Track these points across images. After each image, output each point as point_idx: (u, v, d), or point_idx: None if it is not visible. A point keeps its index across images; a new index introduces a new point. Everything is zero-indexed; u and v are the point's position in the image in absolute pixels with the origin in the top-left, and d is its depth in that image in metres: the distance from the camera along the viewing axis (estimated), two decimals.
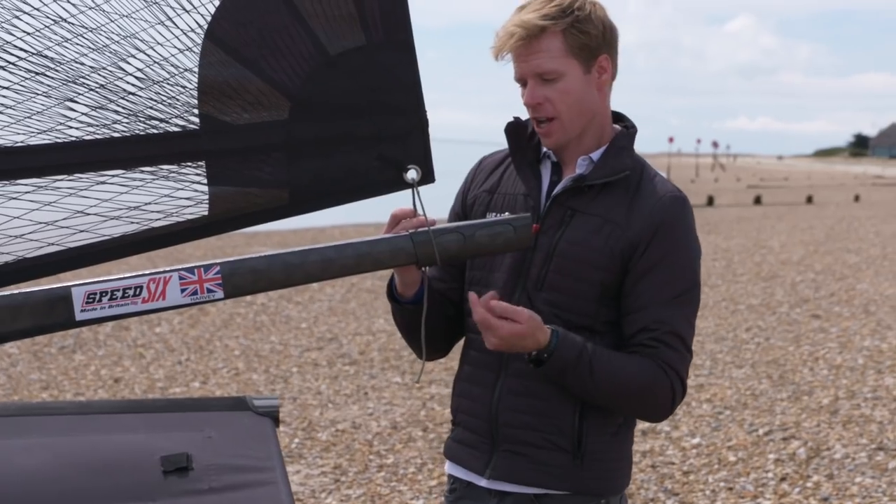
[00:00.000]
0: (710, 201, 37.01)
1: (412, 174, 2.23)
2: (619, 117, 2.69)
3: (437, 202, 2.44)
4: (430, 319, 2.50)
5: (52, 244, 2.04)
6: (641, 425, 7.53)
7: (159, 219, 2.10)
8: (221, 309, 12.33)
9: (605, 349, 2.51)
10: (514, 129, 2.64)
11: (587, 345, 2.48)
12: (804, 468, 6.50)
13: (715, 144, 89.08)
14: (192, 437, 2.34)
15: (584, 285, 2.53)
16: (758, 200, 38.13)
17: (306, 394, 8.47)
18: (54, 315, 2.04)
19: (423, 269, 2.40)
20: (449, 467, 2.75)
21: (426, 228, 2.28)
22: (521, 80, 2.54)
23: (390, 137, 2.19)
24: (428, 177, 2.24)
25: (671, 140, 70.26)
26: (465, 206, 2.70)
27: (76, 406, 2.52)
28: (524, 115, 2.63)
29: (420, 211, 2.30)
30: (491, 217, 2.54)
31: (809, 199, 38.63)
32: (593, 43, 2.52)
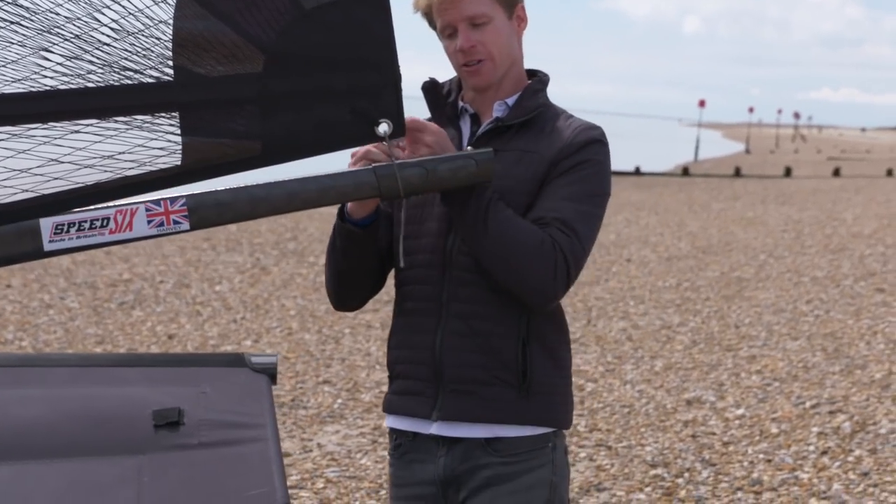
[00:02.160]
0: (788, 172, 36.54)
1: (384, 127, 2.24)
2: (531, 73, 2.78)
3: None
4: (367, 258, 2.61)
5: (26, 191, 2.07)
6: (689, 393, 7.49)
7: (133, 167, 2.12)
8: (283, 269, 12.46)
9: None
10: (432, 89, 2.73)
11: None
12: (847, 442, 6.42)
13: (796, 115, 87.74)
14: (187, 392, 2.36)
15: (513, 208, 2.56)
16: (836, 173, 37.55)
17: (356, 355, 8.54)
18: (22, 245, 2.08)
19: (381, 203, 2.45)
20: (390, 420, 2.76)
21: (390, 162, 2.31)
22: (450, 28, 2.61)
23: (363, 92, 2.20)
24: (399, 130, 2.26)
25: (751, 110, 69.38)
26: None
27: (77, 358, 2.54)
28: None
29: (391, 157, 2.33)
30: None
31: (889, 173, 37.91)
32: None
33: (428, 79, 2.73)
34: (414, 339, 2.68)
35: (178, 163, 2.13)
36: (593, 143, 2.62)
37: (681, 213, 20.85)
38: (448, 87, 2.75)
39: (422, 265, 2.63)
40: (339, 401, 7.29)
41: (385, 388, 7.71)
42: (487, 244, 2.51)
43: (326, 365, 8.23)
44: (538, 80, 2.74)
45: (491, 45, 2.61)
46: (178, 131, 2.12)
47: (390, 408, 2.75)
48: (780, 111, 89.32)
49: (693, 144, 49.80)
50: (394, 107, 2.22)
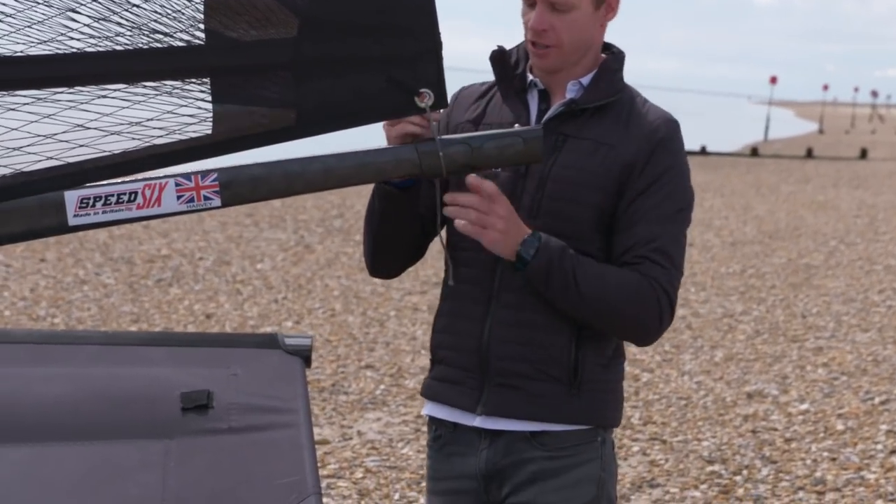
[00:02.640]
0: (864, 154, 36.15)
1: (424, 98, 2.23)
2: (605, 46, 2.73)
3: None
4: (405, 223, 2.61)
5: (51, 158, 2.08)
6: (750, 386, 7.44)
7: (161, 136, 2.11)
8: (328, 247, 12.51)
9: (588, 257, 2.54)
10: (500, 58, 2.68)
11: (569, 248, 2.53)
12: None
13: (874, 94, 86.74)
14: (216, 374, 2.34)
15: (581, 209, 2.56)
16: None
17: (400, 339, 8.57)
18: (46, 219, 2.09)
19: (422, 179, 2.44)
20: (430, 408, 2.74)
21: (432, 138, 2.29)
22: (530, 4, 2.58)
23: (401, 59, 2.18)
24: (441, 101, 2.24)
25: (825, 88, 68.64)
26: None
27: (101, 337, 2.53)
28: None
29: (434, 132, 2.31)
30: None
31: None
32: None
33: (496, 47, 2.69)
34: (460, 324, 2.66)
35: (209, 132, 2.12)
36: (671, 140, 2.60)
37: (748, 196, 20.69)
38: (516, 57, 2.69)
39: (473, 248, 2.59)
40: (382, 387, 7.31)
41: None
42: (584, 309, 2.54)
43: (370, 349, 8.26)
44: (614, 57, 2.68)
45: (564, 34, 2.56)
46: (210, 98, 2.11)
47: (431, 394, 2.73)
48: (856, 89, 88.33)
49: (763, 123, 49.34)
50: (434, 76, 2.20)
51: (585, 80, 2.63)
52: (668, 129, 2.60)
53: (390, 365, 7.81)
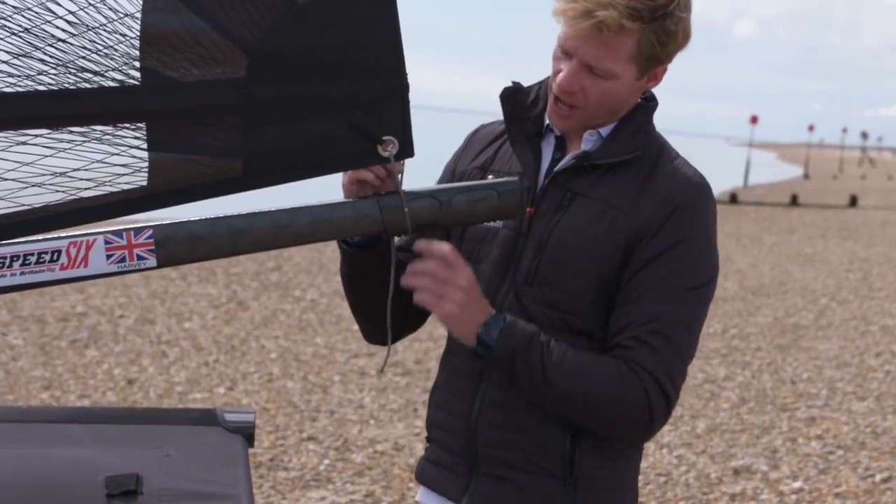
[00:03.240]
0: (854, 201, 36.53)
1: (388, 146, 2.23)
2: None
3: (417, 181, 2.43)
4: (376, 285, 2.49)
5: None
6: (737, 461, 7.43)
7: (89, 188, 2.09)
8: (264, 304, 12.43)
9: (564, 343, 2.47)
10: (513, 97, 2.63)
11: (541, 333, 2.45)
12: None
13: (864, 135, 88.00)
14: (146, 455, 2.33)
15: (580, 280, 2.50)
16: None
17: (346, 407, 8.49)
18: None
19: (391, 239, 2.40)
20: (422, 495, 2.72)
21: (396, 191, 2.27)
22: (567, 53, 2.50)
23: (364, 103, 2.17)
24: (406, 149, 2.23)
25: (811, 128, 69.52)
26: (452, 181, 2.70)
27: (15, 413, 2.50)
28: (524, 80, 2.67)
29: (398, 184, 2.30)
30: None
31: None
32: (664, 55, 2.51)
33: (510, 83, 2.64)
34: (452, 402, 2.65)
35: (144, 183, 2.11)
36: (693, 207, 2.51)
37: (727, 247, 20.81)
38: (534, 96, 2.64)
39: None
40: (327, 461, 7.23)
41: (380, 448, 7.64)
42: (556, 407, 2.47)
43: (312, 418, 8.18)
44: (642, 108, 2.61)
45: (594, 100, 2.50)
46: (145, 145, 2.10)
47: (422, 476, 2.72)
48: (844, 130, 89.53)
49: (742, 167, 49.82)
50: (399, 121, 2.20)
51: (605, 130, 2.58)
52: (692, 192, 2.52)
53: (335, 437, 7.74)
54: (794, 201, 35.64)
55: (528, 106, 2.63)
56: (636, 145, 2.55)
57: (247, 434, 2.46)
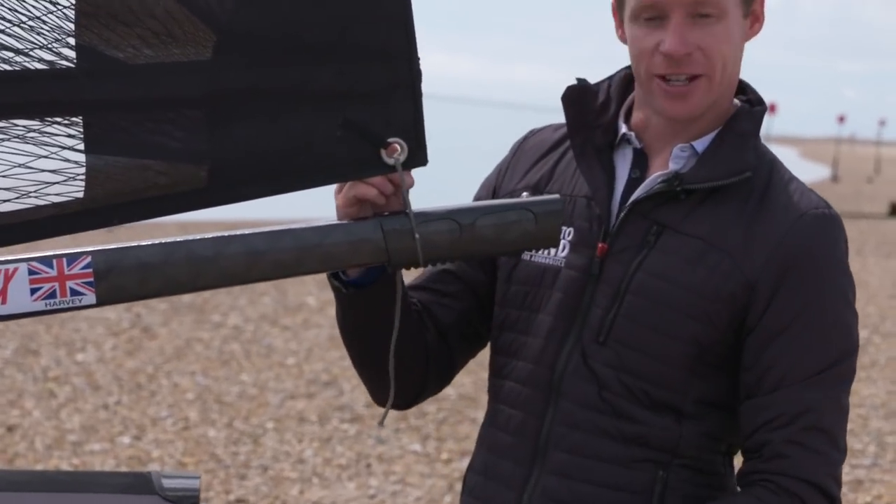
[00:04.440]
0: (894, 210, 36.79)
1: (395, 151, 2.19)
2: (739, 86, 2.62)
3: (432, 196, 2.39)
4: (382, 334, 2.46)
5: None
6: None
7: (9, 200, 2.05)
8: (175, 331, 12.40)
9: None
10: (577, 97, 2.59)
11: None
12: None
13: None
14: None
15: (671, 342, 2.47)
16: None
17: (283, 462, 8.46)
18: None
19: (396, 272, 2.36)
20: None
21: (403, 211, 2.24)
22: (654, 10, 2.45)
23: (363, 95, 2.14)
24: (418, 156, 2.20)
25: (841, 120, 70.12)
26: None
27: None
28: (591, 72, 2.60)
29: (406, 202, 2.26)
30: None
31: None
32: None
33: (575, 80, 2.60)
34: (492, 489, 2.64)
35: (80, 195, 2.07)
36: (821, 250, 2.48)
37: None
38: (604, 97, 2.61)
39: (520, 379, 2.57)
40: None
41: None
42: None
43: (240, 476, 8.15)
44: (747, 112, 2.56)
45: (715, 54, 2.44)
46: (82, 146, 2.06)
47: None
48: (882, 122, 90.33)
49: None
50: (409, 119, 2.17)
51: (701, 143, 2.54)
52: (820, 231, 2.47)
53: (270, 499, 7.71)
54: None
55: (598, 110, 2.60)
56: (744, 164, 2.48)
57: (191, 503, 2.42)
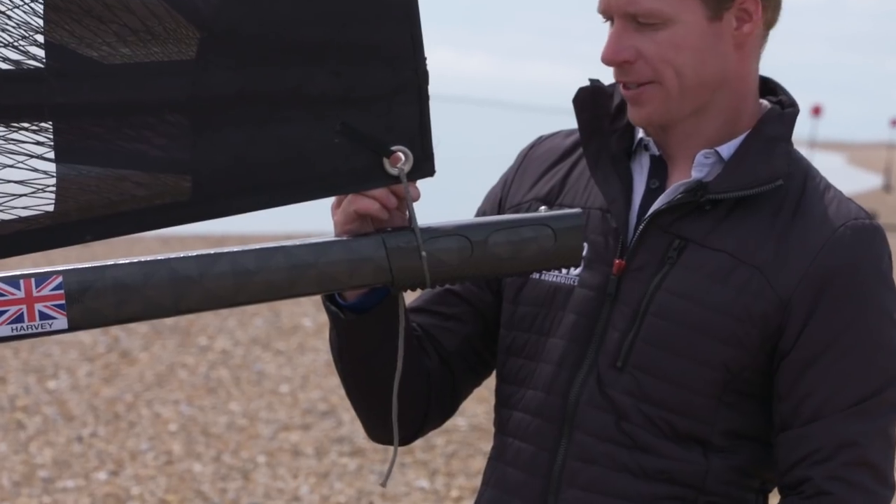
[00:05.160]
0: None
1: (400, 161, 2.18)
2: (768, 87, 2.63)
3: (440, 210, 2.39)
4: (382, 363, 2.47)
5: None
6: None
7: None
8: (157, 356, 12.39)
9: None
10: (591, 100, 2.60)
11: None
12: None
13: None
14: None
15: (696, 368, 2.47)
16: None
17: (276, 499, 8.47)
18: None
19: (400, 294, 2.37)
20: None
21: (409, 227, 2.23)
22: (607, 18, 2.51)
23: (364, 99, 2.15)
24: (424, 165, 2.20)
25: (895, 123, 69.91)
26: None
27: None
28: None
29: (412, 217, 2.25)
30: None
31: None
32: None
33: (588, 81, 2.61)
34: None
35: (51, 209, 2.07)
36: (863, 268, 2.47)
37: None
38: (620, 99, 2.60)
39: (529, 409, 2.58)
40: None
41: None
42: None
43: None
44: (778, 115, 2.56)
45: (659, 63, 2.46)
46: (52, 155, 2.06)
47: None
48: None
49: None
50: (415, 126, 2.17)
51: (727, 149, 2.54)
52: (860, 246, 2.47)
53: None
54: None
55: (613, 114, 2.60)
56: (775, 171, 2.48)
57: None
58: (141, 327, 13.70)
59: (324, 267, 2.19)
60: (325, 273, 2.20)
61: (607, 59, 2.48)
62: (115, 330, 13.49)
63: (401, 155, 2.17)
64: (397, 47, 2.15)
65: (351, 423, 10.21)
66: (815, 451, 2.42)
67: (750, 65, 2.55)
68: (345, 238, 2.27)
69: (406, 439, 2.69)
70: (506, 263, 2.28)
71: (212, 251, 2.15)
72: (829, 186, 2.53)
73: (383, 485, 2.47)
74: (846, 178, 75.39)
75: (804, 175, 2.53)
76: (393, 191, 2.27)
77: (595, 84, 2.59)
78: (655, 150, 2.57)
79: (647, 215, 2.52)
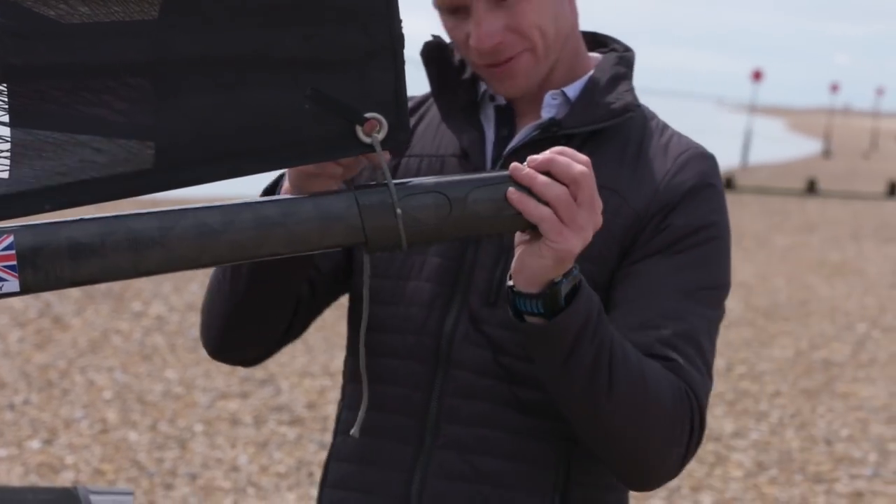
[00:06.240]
0: (893, 190, 37.04)
1: (375, 128, 2.13)
2: (599, 41, 2.79)
3: None
4: (284, 289, 2.59)
5: None
6: None
7: None
8: (91, 322, 12.36)
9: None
10: (436, 54, 2.68)
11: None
12: None
13: None
14: None
15: None
16: None
17: (214, 469, 8.45)
18: None
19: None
20: None
21: (383, 183, 2.16)
22: (457, 5, 2.55)
23: (336, 63, 2.09)
24: (399, 133, 2.14)
25: (834, 89, 70.53)
26: None
27: None
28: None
29: (386, 174, 2.19)
30: None
31: None
32: None
33: (431, 37, 2.67)
34: (372, 476, 2.64)
35: (5, 175, 2.01)
36: (708, 188, 2.59)
37: None
38: (461, 54, 2.67)
39: (397, 353, 2.60)
40: None
41: None
42: (609, 411, 2.40)
43: (166, 485, 8.14)
44: (616, 55, 2.70)
45: (529, 30, 2.53)
46: (6, 118, 2.01)
47: None
48: (880, 91, 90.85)
49: (741, 139, 50.51)
50: (389, 91, 2.12)
51: (572, 89, 2.65)
52: (704, 167, 2.60)
53: None
54: (812, 188, 36.19)
55: (457, 68, 2.69)
56: (625, 104, 2.61)
57: None
58: (73, 292, 13.65)
59: (293, 226, 2.12)
60: (294, 233, 2.13)
61: (486, 48, 2.53)
62: (47, 294, 13.43)
63: (375, 122, 2.13)
64: (372, 9, 2.11)
65: (290, 392, 10.20)
66: (646, 321, 2.47)
67: (576, 12, 2.65)
68: (314, 195, 2.20)
69: (258, 359, 2.79)
70: (486, 222, 2.22)
71: (175, 208, 2.07)
72: (667, 126, 2.68)
73: (354, 433, 2.43)
74: (786, 144, 76.05)
75: (645, 115, 2.67)
76: (369, 160, 2.23)
77: (438, 40, 2.69)
78: (502, 101, 2.65)
79: (504, 152, 2.59)
